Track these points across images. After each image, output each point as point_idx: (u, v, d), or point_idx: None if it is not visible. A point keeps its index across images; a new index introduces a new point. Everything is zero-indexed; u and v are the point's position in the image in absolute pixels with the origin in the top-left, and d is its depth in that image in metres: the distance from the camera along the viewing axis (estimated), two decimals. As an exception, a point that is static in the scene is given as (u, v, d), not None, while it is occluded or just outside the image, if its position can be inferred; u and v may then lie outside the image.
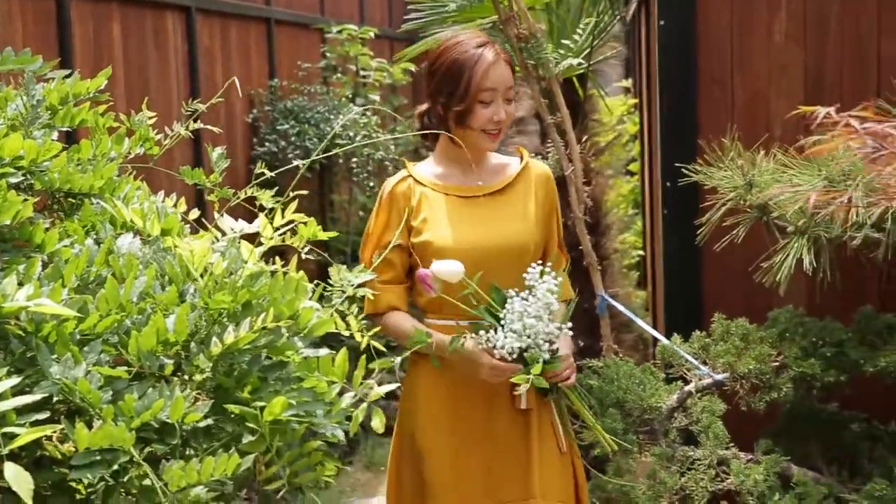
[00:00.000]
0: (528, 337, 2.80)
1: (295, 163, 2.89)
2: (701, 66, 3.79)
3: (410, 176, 3.05)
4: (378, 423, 2.36)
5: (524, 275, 2.85)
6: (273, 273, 2.31)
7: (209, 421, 2.12)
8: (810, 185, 2.85)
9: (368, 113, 7.07)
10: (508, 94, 2.96)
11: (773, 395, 3.25)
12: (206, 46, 5.65)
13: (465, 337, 2.86)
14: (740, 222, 3.15)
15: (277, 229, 2.39)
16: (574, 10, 4.39)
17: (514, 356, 2.82)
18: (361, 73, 7.55)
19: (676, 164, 3.37)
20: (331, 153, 3.20)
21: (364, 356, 2.34)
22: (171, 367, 2.14)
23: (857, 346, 3.23)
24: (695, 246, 3.49)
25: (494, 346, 2.82)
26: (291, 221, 2.39)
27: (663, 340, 3.48)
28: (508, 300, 2.84)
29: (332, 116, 6.54)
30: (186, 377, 2.15)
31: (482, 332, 2.85)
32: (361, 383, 2.30)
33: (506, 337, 2.80)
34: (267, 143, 6.27)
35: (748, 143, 3.28)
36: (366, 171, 7.02)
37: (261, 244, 2.34)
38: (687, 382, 3.41)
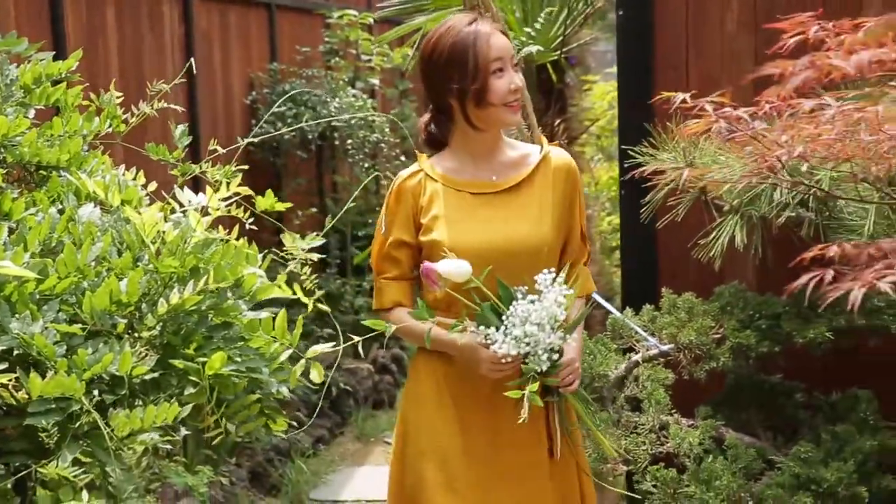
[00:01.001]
0: (528, 345, 2.70)
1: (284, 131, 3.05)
2: (657, 53, 3.97)
3: (422, 170, 2.95)
4: (316, 375, 2.57)
5: (535, 277, 2.74)
6: (222, 241, 2.52)
7: (155, 374, 2.33)
8: (741, 167, 3.02)
9: (364, 95, 7.27)
10: (514, 62, 2.87)
11: (713, 365, 3.44)
12: (204, 31, 5.86)
13: (465, 325, 2.77)
14: (681, 202, 3.34)
15: (225, 199, 2.58)
16: (545, -1, 4.58)
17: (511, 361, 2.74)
18: (362, 57, 7.75)
19: (622, 147, 3.56)
20: (314, 122, 3.35)
21: (301, 317, 2.56)
22: (124, 326, 2.35)
23: (792, 318, 3.41)
24: (652, 224, 3.68)
25: (491, 346, 2.73)
26: (238, 194, 2.58)
27: (615, 313, 3.68)
28: (514, 302, 2.73)
29: (329, 99, 6.74)
30: (137, 335, 2.36)
31: (482, 328, 2.75)
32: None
33: (505, 341, 2.70)
34: (265, 125, 6.48)
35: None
36: (362, 153, 7.23)
37: (208, 214, 2.55)
38: (636, 353, 3.61)
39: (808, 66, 1.83)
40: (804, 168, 2.37)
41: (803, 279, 1.76)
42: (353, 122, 6.77)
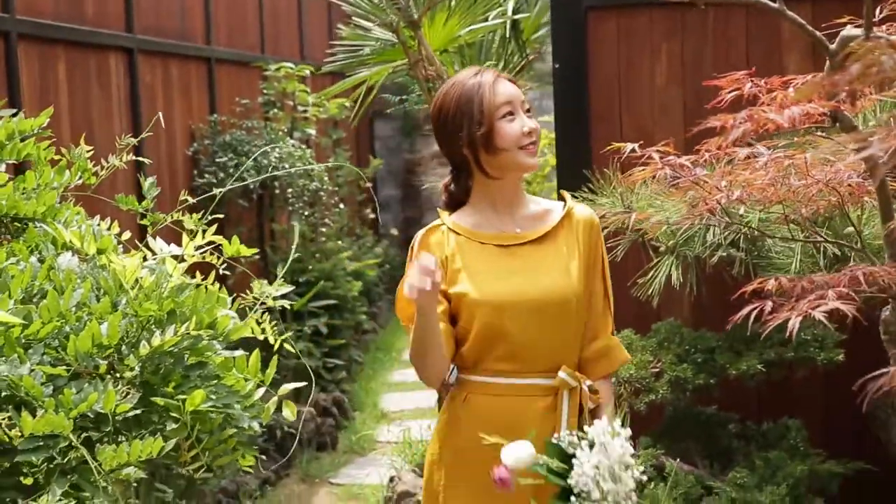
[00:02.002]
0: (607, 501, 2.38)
1: (217, 192, 3.15)
2: (592, 106, 4.19)
3: (443, 224, 2.88)
4: (289, 413, 2.72)
5: (586, 429, 2.46)
6: (197, 286, 2.67)
7: (138, 411, 2.47)
8: (675, 211, 3.23)
9: (303, 146, 7.44)
10: (525, 107, 2.82)
11: (652, 398, 3.63)
12: (148, 84, 6.00)
13: None
14: (620, 244, 3.55)
15: (199, 248, 2.74)
16: (484, 52, 4.80)
17: None
18: (299, 108, 7.93)
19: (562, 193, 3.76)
20: (262, 178, 3.52)
21: (276, 356, 2.71)
22: (105, 367, 2.49)
23: (726, 352, 3.63)
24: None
25: None
26: (213, 242, 2.74)
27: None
28: (575, 461, 2.41)
29: (269, 150, 6.91)
30: (118, 375, 2.50)
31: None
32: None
33: None
34: (206, 175, 6.62)
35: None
36: (301, 200, 7.39)
37: (184, 261, 2.70)
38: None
39: (747, 118, 2.04)
40: (741, 211, 2.58)
41: (745, 310, 1.96)
42: (293, 172, 6.93)
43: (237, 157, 6.73)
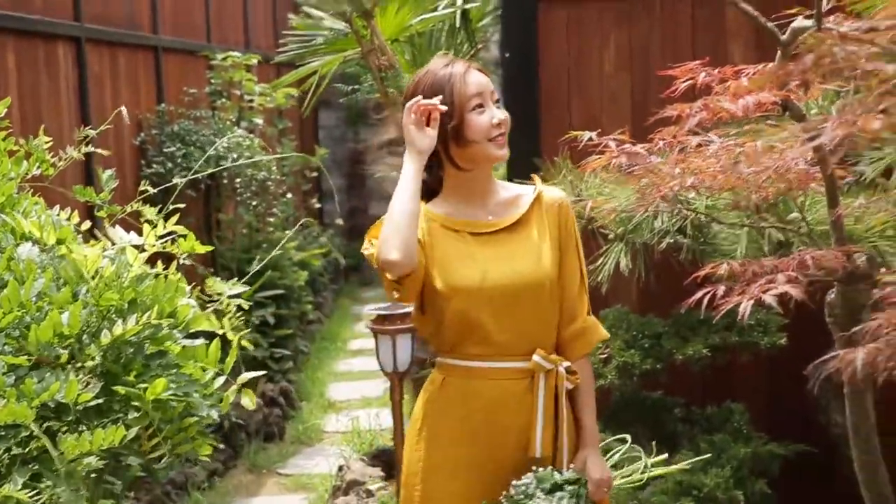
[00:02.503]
0: None
1: (176, 181, 3.18)
2: (542, 94, 4.26)
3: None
4: (248, 402, 2.75)
5: (513, 484, 2.70)
6: (157, 276, 2.69)
7: (100, 401, 2.49)
8: (626, 198, 3.29)
9: (251, 135, 7.44)
10: (495, 97, 2.81)
11: (601, 383, 3.70)
12: (96, 73, 5.97)
13: None
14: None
15: (160, 237, 2.76)
16: (434, 42, 4.84)
17: None
18: (246, 97, 7.92)
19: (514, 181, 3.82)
20: (213, 171, 3.52)
21: (236, 345, 2.74)
22: (66, 357, 2.50)
23: (672, 337, 3.71)
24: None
25: None
26: (172, 232, 2.76)
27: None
28: None
29: (216, 139, 6.90)
30: (79, 364, 2.52)
31: None
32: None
33: None
34: (154, 165, 6.60)
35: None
36: (249, 190, 7.40)
37: (144, 251, 2.72)
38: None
39: (702, 108, 2.11)
40: (691, 196, 2.65)
41: (698, 294, 2.03)
42: (240, 160, 6.94)
43: (185, 146, 6.72)
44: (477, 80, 2.80)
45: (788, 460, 3.92)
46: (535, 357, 2.80)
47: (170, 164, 6.55)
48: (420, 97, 2.74)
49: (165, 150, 6.68)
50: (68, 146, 2.99)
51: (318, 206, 10.46)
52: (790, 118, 2.24)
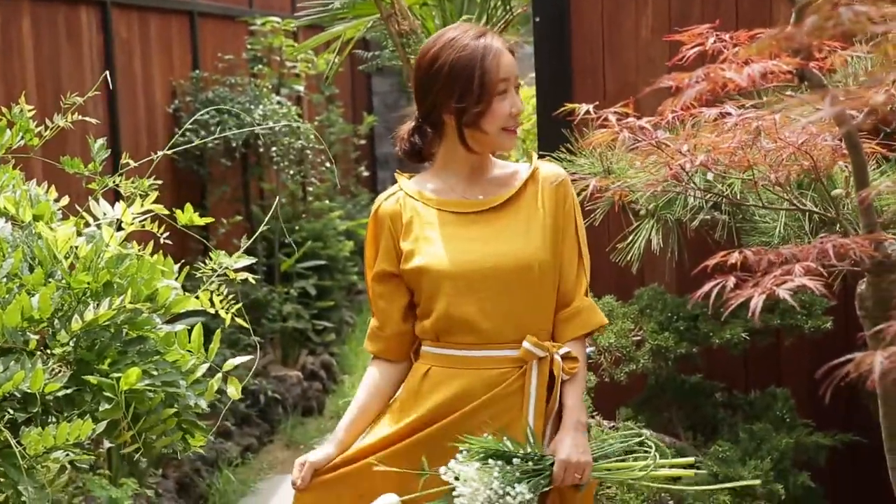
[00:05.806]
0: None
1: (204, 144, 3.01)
2: (574, 59, 4.01)
3: (401, 190, 2.73)
4: (234, 391, 2.57)
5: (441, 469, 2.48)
6: (138, 257, 2.51)
7: (69, 391, 2.32)
8: (655, 173, 3.05)
9: (289, 102, 7.26)
10: (517, 82, 2.64)
11: (633, 367, 3.48)
12: (124, 39, 5.81)
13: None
14: (598, 206, 3.37)
15: (143, 213, 2.58)
16: (466, 4, 4.59)
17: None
18: (287, 63, 7.72)
19: (541, 153, 3.58)
20: (244, 137, 3.30)
21: (219, 330, 2.56)
22: (36, 343, 2.34)
23: (709, 319, 3.47)
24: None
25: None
26: (151, 210, 2.57)
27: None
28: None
29: (252, 107, 6.73)
30: (50, 351, 2.35)
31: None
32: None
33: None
34: (188, 133, 6.45)
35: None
36: (286, 160, 7.23)
37: (122, 229, 2.54)
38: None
39: (703, 78, 1.86)
40: (709, 176, 2.41)
41: (705, 287, 1.79)
42: (277, 129, 6.75)
43: (220, 114, 6.55)
44: (509, 64, 2.61)
45: (835, 450, 3.66)
46: (525, 343, 2.59)
47: (203, 133, 6.39)
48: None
49: (199, 117, 6.52)
50: (56, 115, 2.81)
51: (366, 174, 10.25)
52: (808, 88, 1.97)
